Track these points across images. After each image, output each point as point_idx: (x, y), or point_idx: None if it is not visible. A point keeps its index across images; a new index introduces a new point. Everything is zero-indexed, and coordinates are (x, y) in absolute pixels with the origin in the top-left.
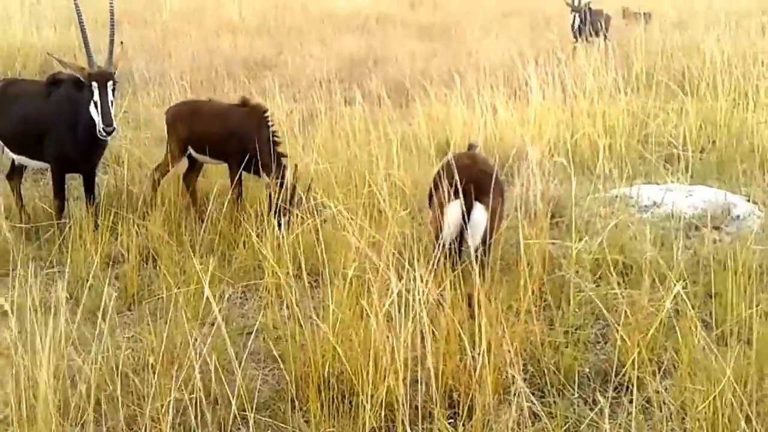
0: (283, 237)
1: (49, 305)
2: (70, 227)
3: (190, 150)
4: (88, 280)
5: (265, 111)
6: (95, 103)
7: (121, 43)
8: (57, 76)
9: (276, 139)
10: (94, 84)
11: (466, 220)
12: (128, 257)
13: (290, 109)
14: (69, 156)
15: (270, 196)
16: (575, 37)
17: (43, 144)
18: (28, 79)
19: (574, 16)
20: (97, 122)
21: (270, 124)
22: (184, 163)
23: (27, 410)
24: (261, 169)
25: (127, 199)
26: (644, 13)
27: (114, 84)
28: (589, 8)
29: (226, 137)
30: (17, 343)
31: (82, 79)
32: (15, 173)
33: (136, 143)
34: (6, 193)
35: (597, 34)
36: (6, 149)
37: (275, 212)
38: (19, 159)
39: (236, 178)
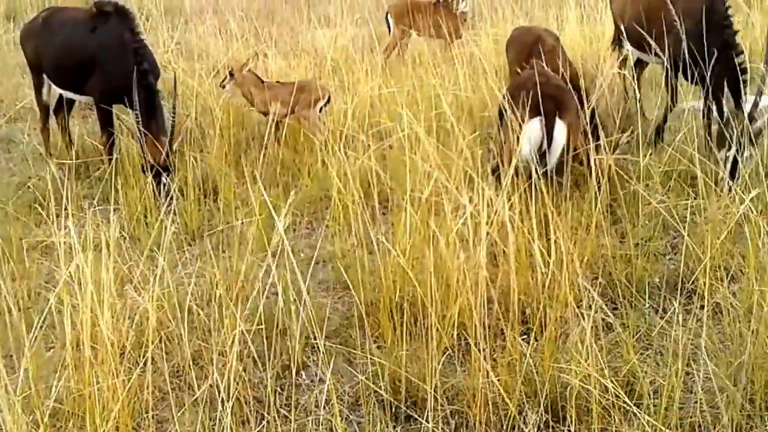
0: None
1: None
2: (122, 163)
3: None
4: (146, 217)
5: None
6: None
7: None
8: (104, 8)
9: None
10: None
11: (546, 138)
12: (187, 191)
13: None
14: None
15: None
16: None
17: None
18: (72, 8)
19: None
20: None
21: None
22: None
23: (87, 352)
24: None
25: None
26: None
27: None
28: None
29: None
30: (72, 284)
31: None
32: (61, 108)
33: (191, 75)
34: (53, 129)
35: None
36: (52, 84)
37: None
38: (66, 94)
39: None
